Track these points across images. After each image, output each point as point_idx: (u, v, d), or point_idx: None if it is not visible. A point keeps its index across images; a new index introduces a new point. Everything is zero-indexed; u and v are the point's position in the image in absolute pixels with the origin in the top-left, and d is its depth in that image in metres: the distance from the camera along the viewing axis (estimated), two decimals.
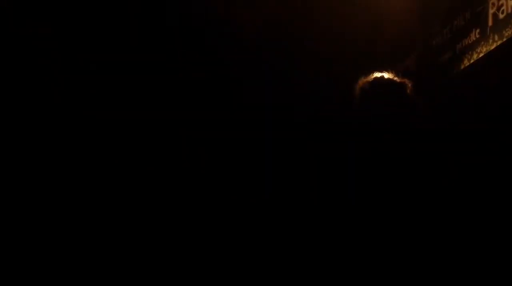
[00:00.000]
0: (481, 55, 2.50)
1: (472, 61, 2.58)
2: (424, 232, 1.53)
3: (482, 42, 2.50)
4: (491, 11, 2.45)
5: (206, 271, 2.48)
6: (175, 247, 2.58)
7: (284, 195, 2.62)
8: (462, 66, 2.68)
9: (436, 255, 1.51)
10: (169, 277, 2.50)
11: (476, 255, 1.63)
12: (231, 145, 3.01)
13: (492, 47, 2.39)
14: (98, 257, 2.51)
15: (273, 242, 2.46)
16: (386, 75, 1.75)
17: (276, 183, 2.77)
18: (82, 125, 2.82)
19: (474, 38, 2.59)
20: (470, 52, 2.61)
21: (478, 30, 2.56)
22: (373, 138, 1.64)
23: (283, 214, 2.53)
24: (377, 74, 1.75)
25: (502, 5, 2.35)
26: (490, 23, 2.45)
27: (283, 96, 2.98)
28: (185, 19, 3.14)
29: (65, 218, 2.57)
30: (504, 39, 2.29)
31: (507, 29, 2.28)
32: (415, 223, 1.54)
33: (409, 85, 1.73)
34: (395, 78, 1.74)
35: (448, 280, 1.51)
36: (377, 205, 1.57)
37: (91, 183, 2.70)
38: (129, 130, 2.90)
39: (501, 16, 2.36)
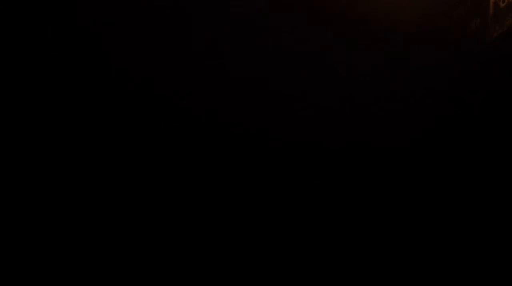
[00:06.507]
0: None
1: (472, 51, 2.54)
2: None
3: (483, 32, 2.45)
4: (492, 0, 2.41)
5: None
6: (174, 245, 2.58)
7: None
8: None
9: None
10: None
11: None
12: None
13: (493, 37, 2.35)
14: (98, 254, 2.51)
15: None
16: None
17: None
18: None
19: (474, 28, 2.55)
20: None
21: (478, 20, 2.51)
22: None
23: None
24: None
25: None
26: (491, 12, 2.41)
27: None
28: None
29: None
30: (505, 29, 2.26)
31: (508, 18, 2.24)
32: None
33: None
34: None
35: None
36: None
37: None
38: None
39: (502, 5, 2.31)
